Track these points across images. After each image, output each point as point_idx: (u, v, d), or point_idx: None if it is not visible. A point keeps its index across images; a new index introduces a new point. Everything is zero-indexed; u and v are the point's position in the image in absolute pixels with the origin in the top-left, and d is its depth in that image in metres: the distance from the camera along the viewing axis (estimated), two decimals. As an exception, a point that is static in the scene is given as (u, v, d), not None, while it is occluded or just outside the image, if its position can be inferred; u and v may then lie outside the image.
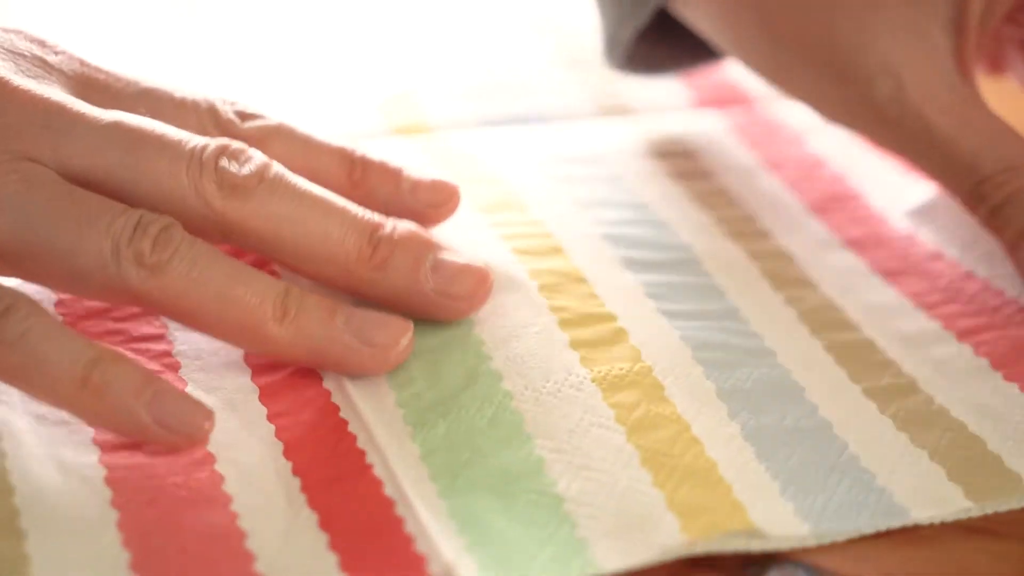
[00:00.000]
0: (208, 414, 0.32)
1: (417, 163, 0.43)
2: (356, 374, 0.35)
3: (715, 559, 0.31)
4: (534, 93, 0.52)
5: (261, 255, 0.36)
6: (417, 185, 0.38)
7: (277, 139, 0.37)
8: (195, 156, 0.34)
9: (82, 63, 0.37)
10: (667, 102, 0.52)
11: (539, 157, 0.47)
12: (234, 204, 0.34)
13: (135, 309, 0.37)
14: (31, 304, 0.32)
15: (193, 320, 0.34)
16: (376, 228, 0.36)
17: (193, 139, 0.35)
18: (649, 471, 0.32)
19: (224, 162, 0.34)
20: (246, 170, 0.35)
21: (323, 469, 0.33)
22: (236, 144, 0.35)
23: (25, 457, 0.32)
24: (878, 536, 0.32)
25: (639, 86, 0.51)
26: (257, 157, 0.35)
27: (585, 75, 0.53)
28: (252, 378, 0.35)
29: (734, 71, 0.52)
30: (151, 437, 0.32)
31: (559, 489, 0.32)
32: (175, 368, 0.35)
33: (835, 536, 0.31)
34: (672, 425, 0.34)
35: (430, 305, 0.36)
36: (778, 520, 0.31)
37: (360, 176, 0.38)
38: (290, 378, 0.35)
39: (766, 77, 0.44)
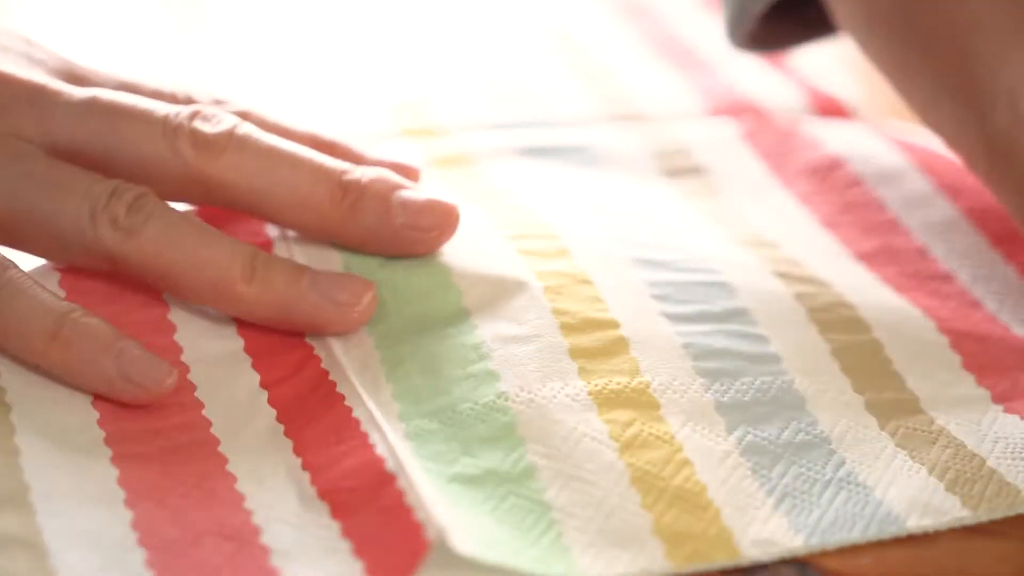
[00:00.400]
0: (170, 371, 0.34)
1: (426, 167, 0.43)
2: (321, 332, 0.36)
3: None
4: (546, 100, 0.52)
5: (240, 210, 0.38)
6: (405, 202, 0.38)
7: (251, 118, 0.39)
8: (170, 120, 0.36)
9: (65, 60, 0.39)
10: (679, 109, 0.52)
11: (550, 163, 0.47)
12: (208, 160, 0.36)
13: (138, 301, 0.37)
14: (5, 261, 0.34)
15: (166, 281, 0.36)
16: (344, 173, 0.37)
17: (167, 107, 0.37)
18: (638, 491, 0.32)
19: (198, 122, 0.36)
20: (218, 128, 0.37)
21: (328, 455, 0.33)
22: (208, 109, 0.37)
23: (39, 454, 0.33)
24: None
25: (651, 94, 0.51)
26: (228, 118, 0.37)
27: (597, 82, 0.53)
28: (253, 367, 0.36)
29: (749, 80, 0.52)
30: (116, 391, 0.34)
31: (547, 496, 0.32)
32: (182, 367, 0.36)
33: (827, 545, 0.31)
34: (665, 446, 0.34)
35: (403, 241, 0.37)
36: (770, 537, 0.31)
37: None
38: (295, 380, 0.36)
39: (884, 71, 0.43)
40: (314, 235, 0.38)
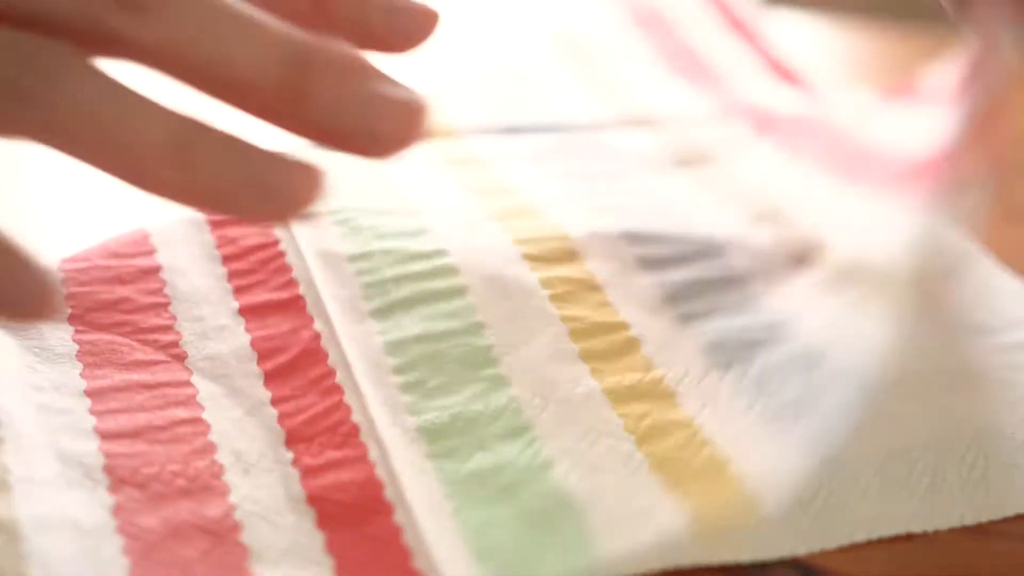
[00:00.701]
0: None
1: (435, 168, 0.44)
2: (254, 219, 0.30)
3: (717, 558, 0.31)
4: (555, 101, 0.52)
5: (170, 77, 0.31)
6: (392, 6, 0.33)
7: None
8: None
9: None
10: (690, 112, 0.52)
11: (558, 165, 0.47)
12: (129, 20, 0.30)
13: (143, 301, 0.37)
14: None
15: (87, 154, 0.30)
16: (300, 52, 0.30)
17: None
18: (659, 475, 0.32)
19: None
20: None
21: (324, 458, 0.33)
22: None
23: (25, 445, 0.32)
24: (878, 537, 0.32)
25: (663, 96, 0.51)
26: None
27: (608, 86, 0.53)
28: (258, 363, 0.36)
29: (763, 92, 0.52)
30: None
31: (568, 486, 0.32)
32: (181, 358, 0.36)
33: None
34: (683, 431, 0.34)
35: (356, 145, 0.31)
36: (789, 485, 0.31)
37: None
38: (294, 360, 0.36)
39: None
40: (259, 117, 0.31)
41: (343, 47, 0.31)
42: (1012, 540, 0.32)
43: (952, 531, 0.32)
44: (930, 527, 0.32)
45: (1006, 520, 0.32)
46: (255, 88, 0.30)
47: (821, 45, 0.49)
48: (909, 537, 0.32)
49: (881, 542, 0.32)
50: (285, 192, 0.30)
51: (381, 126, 0.31)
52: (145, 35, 0.30)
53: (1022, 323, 0.40)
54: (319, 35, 0.32)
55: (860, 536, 0.32)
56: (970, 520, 0.32)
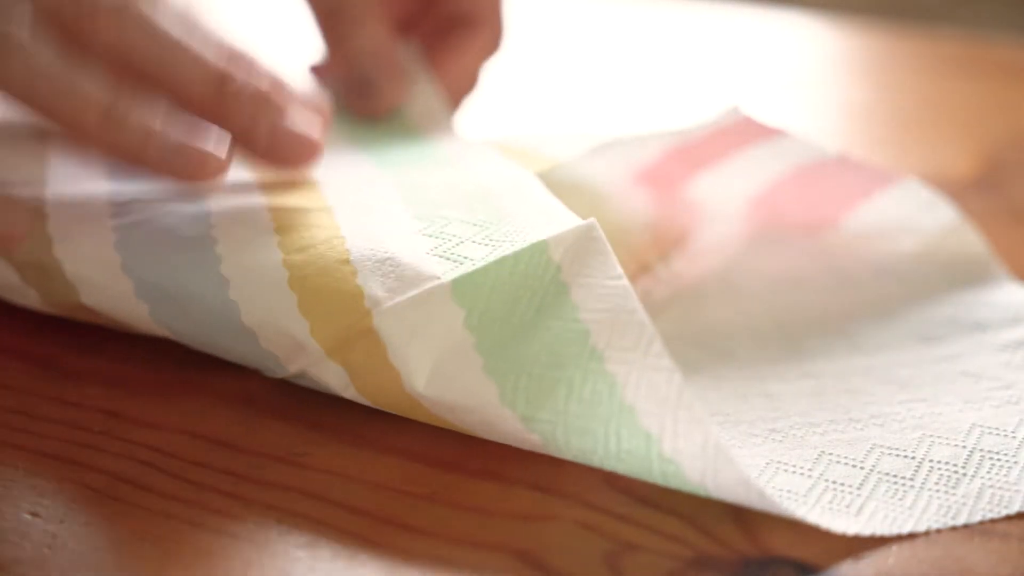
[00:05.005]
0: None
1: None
2: (173, 177, 0.38)
3: (715, 559, 0.31)
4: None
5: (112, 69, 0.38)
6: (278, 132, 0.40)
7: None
8: None
9: None
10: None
11: None
12: (88, 24, 0.38)
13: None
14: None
15: (32, 106, 0.37)
16: (225, 80, 0.39)
17: None
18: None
19: None
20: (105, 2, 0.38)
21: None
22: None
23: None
24: (879, 537, 0.32)
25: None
26: None
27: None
28: None
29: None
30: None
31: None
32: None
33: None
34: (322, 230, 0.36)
35: (259, 160, 0.39)
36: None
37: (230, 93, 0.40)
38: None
39: None
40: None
41: (264, 80, 0.39)
42: (1012, 540, 0.32)
43: (952, 531, 0.32)
44: (930, 527, 0.32)
45: (1006, 520, 0.32)
46: (188, 98, 0.38)
47: (821, 45, 0.49)
48: (909, 537, 0.32)
49: (881, 542, 0.31)
50: (184, 164, 0.37)
51: (279, 155, 0.39)
52: (98, 31, 0.38)
53: (1022, 322, 0.40)
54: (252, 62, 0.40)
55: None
56: (970, 520, 0.32)
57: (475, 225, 0.36)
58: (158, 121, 0.37)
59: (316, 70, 0.49)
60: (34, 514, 0.32)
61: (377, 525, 0.32)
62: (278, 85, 0.40)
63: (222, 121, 0.38)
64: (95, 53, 0.38)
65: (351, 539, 0.32)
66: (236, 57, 0.40)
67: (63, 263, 0.37)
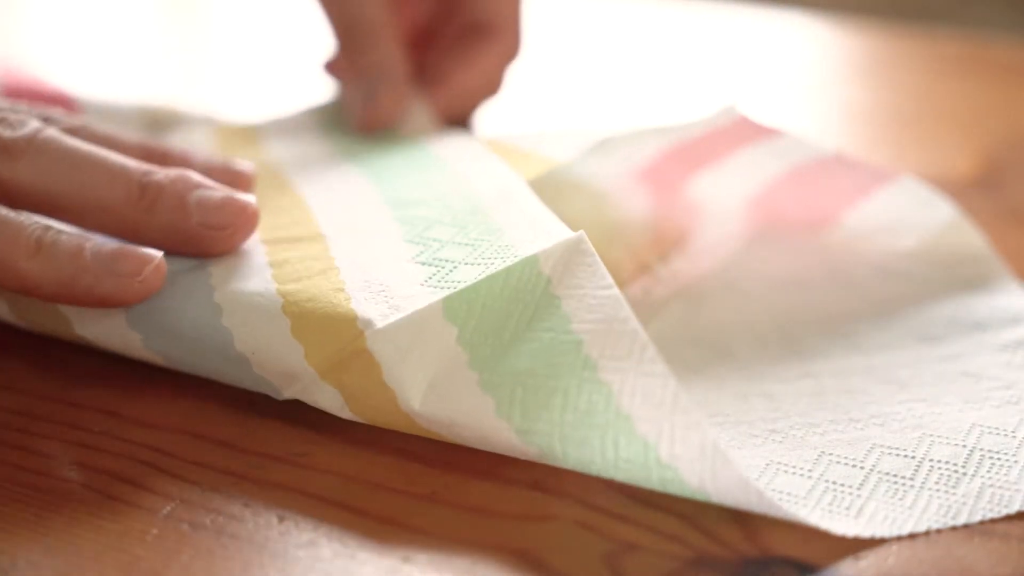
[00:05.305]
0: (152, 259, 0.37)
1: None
2: (102, 305, 0.37)
3: (715, 559, 0.31)
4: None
5: (44, 214, 0.38)
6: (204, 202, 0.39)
7: (81, 132, 0.40)
8: None
9: None
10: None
11: None
12: (6, 164, 0.37)
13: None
14: None
15: None
16: (145, 175, 0.38)
17: None
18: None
19: None
20: (18, 133, 0.38)
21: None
22: (13, 115, 0.39)
23: None
24: (878, 537, 0.32)
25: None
26: (32, 123, 0.38)
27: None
28: None
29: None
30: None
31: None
32: None
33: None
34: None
35: (199, 239, 0.38)
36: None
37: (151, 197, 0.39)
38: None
39: None
40: (117, 235, 0.38)
41: (184, 170, 0.39)
42: (1012, 540, 0.32)
43: (952, 531, 0.32)
44: (930, 526, 0.32)
45: (1006, 520, 0.32)
46: (111, 212, 0.38)
47: (821, 45, 0.49)
48: (909, 537, 0.32)
49: (881, 541, 0.31)
50: (131, 275, 0.36)
51: (214, 220, 0.37)
52: (19, 176, 0.37)
53: (1022, 322, 0.40)
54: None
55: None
56: (970, 520, 0.32)
57: (467, 245, 0.36)
58: (83, 240, 0.37)
59: (329, 67, 0.50)
60: (35, 514, 0.32)
61: (377, 525, 0.32)
62: (207, 165, 0.41)
63: (147, 223, 0.38)
64: (22, 194, 0.38)
65: (351, 539, 0.32)
66: (151, 150, 0.41)
67: None
